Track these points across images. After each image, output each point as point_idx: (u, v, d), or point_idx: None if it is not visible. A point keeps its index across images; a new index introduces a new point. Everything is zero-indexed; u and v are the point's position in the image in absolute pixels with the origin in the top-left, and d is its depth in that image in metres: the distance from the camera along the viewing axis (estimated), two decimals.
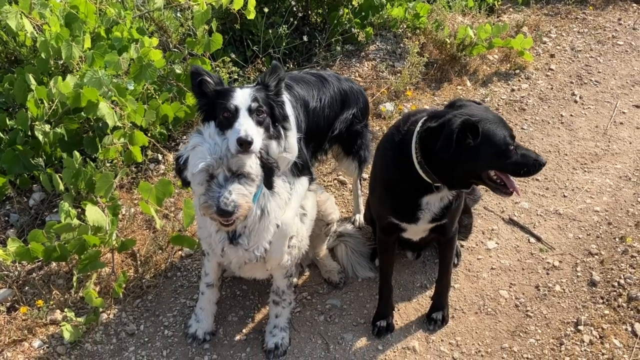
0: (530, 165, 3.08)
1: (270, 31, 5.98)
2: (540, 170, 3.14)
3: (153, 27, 5.48)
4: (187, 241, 4.05)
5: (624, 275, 4.26)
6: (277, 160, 3.17)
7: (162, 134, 4.97)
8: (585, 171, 5.35)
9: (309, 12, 6.48)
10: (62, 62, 4.52)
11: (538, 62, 7.02)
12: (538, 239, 4.61)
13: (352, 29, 6.63)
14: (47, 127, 4.21)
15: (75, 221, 3.74)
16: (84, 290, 3.71)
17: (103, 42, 4.56)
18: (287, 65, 6.09)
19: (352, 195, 4.79)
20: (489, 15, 7.89)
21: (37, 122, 4.17)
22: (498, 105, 6.19)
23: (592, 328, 3.91)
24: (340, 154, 4.31)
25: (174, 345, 3.73)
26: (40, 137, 4.17)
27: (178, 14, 5.83)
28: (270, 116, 3.12)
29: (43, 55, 4.31)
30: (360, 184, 4.66)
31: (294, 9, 6.17)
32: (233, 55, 5.79)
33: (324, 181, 5.11)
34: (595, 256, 4.46)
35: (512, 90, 6.48)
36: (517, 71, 6.79)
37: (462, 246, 4.47)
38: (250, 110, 2.97)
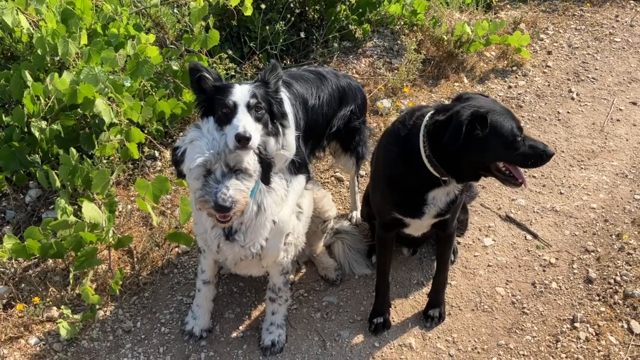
0: (538, 157, 3.10)
1: (267, 27, 5.96)
2: (548, 161, 3.16)
3: (150, 24, 5.46)
4: (183, 238, 4.05)
5: (620, 273, 4.27)
6: (274, 156, 3.17)
7: (159, 131, 4.96)
8: (582, 168, 5.36)
9: (306, 8, 6.46)
10: (58, 58, 4.50)
11: (535, 59, 7.02)
12: (535, 236, 4.62)
13: (350, 26, 6.61)
14: (43, 124, 4.19)
15: (72, 218, 3.73)
16: (81, 287, 3.70)
17: (99, 39, 4.55)
18: (285, 62, 6.08)
19: (349, 192, 4.79)
20: (487, 12, 7.88)
21: (33, 119, 4.15)
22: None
23: (588, 325, 3.92)
24: (338, 151, 4.31)
25: (170, 342, 3.73)
26: (37, 134, 4.15)
27: (175, 10, 5.81)
28: (268, 113, 3.12)
29: (39, 52, 4.29)
30: (358, 180, 4.66)
31: (291, 5, 6.16)
32: (230, 52, 5.78)
33: (321, 178, 5.11)
34: (592, 253, 4.47)
35: (509, 87, 6.48)
36: (514, 68, 6.79)
37: (458, 243, 4.48)
38: (248, 107, 2.98)
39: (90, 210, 3.73)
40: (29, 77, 4.17)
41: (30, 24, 4.42)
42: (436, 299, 3.93)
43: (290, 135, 3.35)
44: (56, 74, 4.09)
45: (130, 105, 4.29)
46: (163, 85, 4.92)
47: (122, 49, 4.47)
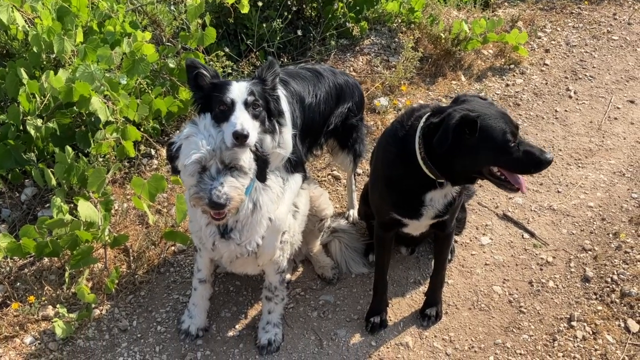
0: (533, 163, 3.01)
1: (264, 25, 5.95)
2: (546, 168, 3.07)
3: (146, 21, 5.44)
4: (180, 237, 4.03)
5: (617, 271, 4.26)
6: (271, 154, 3.16)
7: (155, 129, 4.94)
8: (579, 167, 5.35)
9: (304, 6, 6.44)
10: (54, 56, 4.48)
11: (533, 57, 7.01)
12: (532, 234, 4.61)
13: (347, 23, 6.60)
14: (39, 122, 4.18)
15: (68, 216, 3.72)
16: (76, 286, 3.69)
17: (95, 36, 4.53)
18: (282, 59, 6.07)
19: (346, 190, 4.78)
20: (484, 9, 7.87)
21: (29, 117, 4.14)
22: (492, 100, 6.18)
23: (585, 324, 3.92)
24: (335, 148, 4.30)
25: (166, 341, 3.72)
26: (32, 132, 4.13)
27: (171, 8, 5.79)
28: (265, 110, 3.11)
29: (35, 49, 4.27)
30: (355, 179, 4.64)
31: (288, 2, 6.14)
32: (227, 50, 5.76)
33: (318, 176, 5.10)
34: (589, 252, 4.46)
35: (507, 85, 6.47)
36: (512, 66, 6.78)
37: (456, 242, 4.47)
38: (246, 104, 2.97)
39: (86, 209, 3.71)
40: (25, 75, 4.15)
41: (25, 21, 4.40)
42: (433, 298, 3.92)
43: (287, 133, 3.34)
44: (52, 72, 4.07)
45: (127, 103, 4.28)
46: (159, 83, 4.90)
47: (118, 46, 4.45)
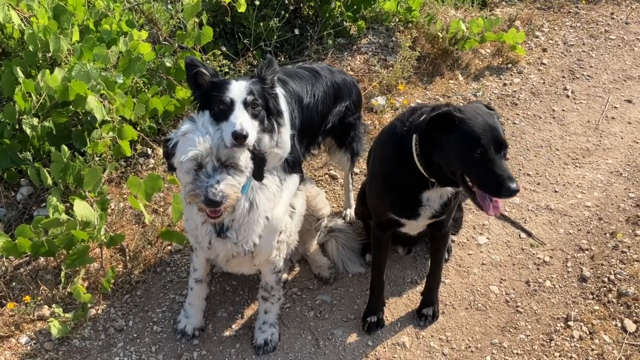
0: (491, 185, 2.93)
1: (261, 24, 5.93)
2: (506, 197, 2.94)
3: (143, 20, 5.43)
4: (176, 236, 4.03)
5: (614, 271, 4.26)
6: (268, 153, 3.16)
7: (152, 128, 4.93)
8: (576, 166, 5.35)
9: (301, 4, 6.43)
10: (50, 55, 4.47)
11: (530, 56, 7.01)
12: (529, 234, 4.61)
13: (344, 22, 6.59)
14: (35, 121, 4.16)
15: (64, 216, 3.71)
16: (72, 286, 3.68)
17: (92, 35, 4.52)
18: (279, 58, 6.05)
19: (343, 189, 4.77)
20: (482, 9, 7.87)
21: (24, 116, 4.13)
22: (490, 99, 6.18)
23: (582, 324, 3.91)
24: (332, 147, 4.29)
25: (163, 341, 3.71)
26: (28, 131, 4.12)
27: (168, 6, 5.78)
28: (265, 109, 3.10)
29: (31, 48, 4.27)
30: (352, 178, 4.64)
31: (286, 1, 6.13)
32: (224, 49, 5.74)
33: (315, 176, 5.09)
34: (586, 252, 4.46)
35: (504, 84, 6.46)
36: (509, 65, 6.77)
37: (452, 241, 4.46)
38: (245, 104, 2.96)
39: (82, 208, 3.71)
40: (21, 74, 4.14)
41: (21, 20, 4.38)
42: (430, 298, 3.91)
43: (286, 133, 3.34)
44: (48, 71, 4.06)
45: (123, 102, 4.27)
46: (156, 82, 4.89)
47: (115, 45, 4.45)
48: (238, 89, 2.98)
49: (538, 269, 4.32)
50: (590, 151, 5.54)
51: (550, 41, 7.35)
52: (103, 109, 4.07)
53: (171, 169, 3.04)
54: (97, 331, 3.74)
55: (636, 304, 4.01)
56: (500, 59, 6.84)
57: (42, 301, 3.83)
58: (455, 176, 3.07)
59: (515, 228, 4.67)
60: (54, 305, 3.69)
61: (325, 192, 4.77)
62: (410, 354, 3.72)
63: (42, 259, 4.07)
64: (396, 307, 4.01)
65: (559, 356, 3.72)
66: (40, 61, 4.52)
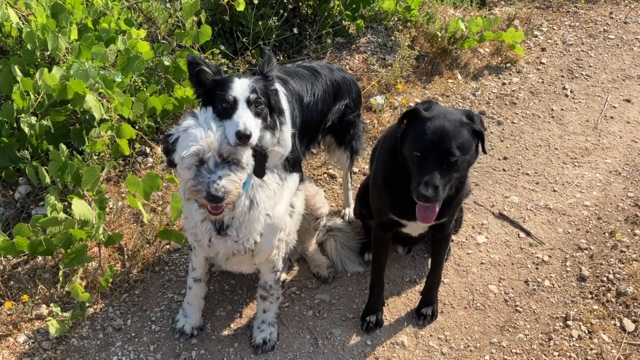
0: (413, 185, 3.05)
1: (260, 23, 5.93)
2: (417, 199, 3.03)
3: (141, 19, 5.42)
4: (174, 235, 4.02)
5: (613, 270, 4.26)
6: (270, 151, 3.17)
7: (150, 127, 4.92)
8: (575, 165, 5.35)
9: (300, 3, 6.42)
10: (48, 53, 4.46)
11: (529, 55, 7.00)
12: (528, 233, 4.60)
13: (343, 21, 6.58)
14: (33, 120, 4.15)
15: (62, 215, 3.70)
16: (70, 285, 3.67)
17: (90, 34, 4.51)
18: (278, 57, 6.04)
19: (342, 189, 4.76)
20: (481, 8, 7.86)
21: (22, 114, 4.12)
22: (489, 98, 6.17)
23: (580, 323, 3.91)
24: (332, 145, 4.29)
25: (161, 340, 3.70)
26: (26, 130, 4.11)
27: (167, 5, 5.77)
28: (267, 107, 3.11)
29: (29, 47, 4.26)
30: (351, 177, 4.63)
31: (285, 0, 6.12)
32: (222, 47, 5.74)
33: (314, 175, 5.08)
34: (585, 251, 4.46)
35: (503, 84, 6.46)
36: (508, 65, 6.77)
37: (452, 240, 4.45)
38: (248, 102, 2.96)
39: (80, 207, 3.69)
40: (19, 72, 4.13)
41: (19, 18, 4.37)
42: (429, 297, 3.91)
43: (287, 132, 3.34)
44: (46, 69, 4.05)
45: (121, 101, 4.26)
46: (154, 81, 4.89)
47: (113, 44, 4.44)
48: (241, 87, 2.98)
49: (537, 269, 4.32)
50: (589, 150, 5.54)
51: (549, 40, 7.35)
52: (101, 108, 4.06)
53: (171, 165, 3.03)
54: (95, 330, 3.73)
55: (635, 304, 4.01)
56: (499, 58, 6.84)
57: (40, 300, 3.82)
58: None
59: (514, 227, 4.66)
60: (52, 304, 3.68)
61: (324, 191, 4.77)
62: (409, 353, 3.71)
63: (40, 257, 4.06)
64: (395, 307, 4.01)
65: (558, 355, 3.72)
66: (39, 60, 4.51)
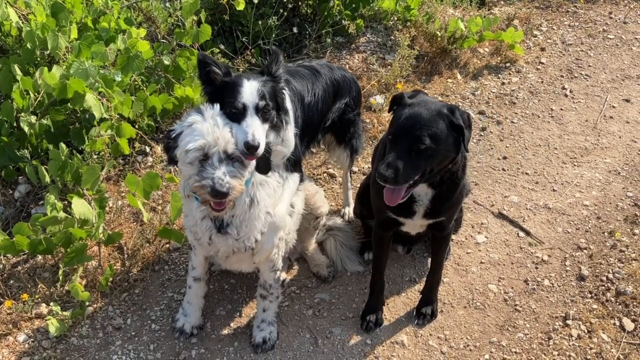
0: (379, 166, 3.08)
1: (260, 22, 5.93)
2: (378, 179, 3.08)
3: (141, 18, 5.42)
4: (174, 235, 4.02)
5: (612, 270, 4.27)
6: (274, 150, 3.18)
7: (150, 126, 4.92)
8: (575, 165, 5.35)
9: (299, 3, 6.42)
10: (48, 52, 4.45)
11: (529, 55, 7.00)
12: (527, 233, 4.61)
13: (343, 21, 6.58)
14: (33, 119, 4.15)
15: (62, 214, 3.69)
16: (70, 284, 3.67)
17: (90, 33, 4.50)
18: None
19: (341, 188, 4.76)
20: (480, 8, 7.86)
21: (22, 114, 4.11)
22: (488, 98, 6.18)
23: (580, 322, 3.92)
24: (332, 144, 4.30)
25: (161, 340, 3.70)
26: (26, 129, 4.11)
27: (167, 4, 5.76)
28: (275, 109, 3.12)
29: (29, 46, 4.25)
30: (350, 176, 4.63)
31: (284, 0, 6.12)
32: (222, 47, 5.74)
33: (314, 174, 5.08)
34: (584, 250, 4.46)
35: (503, 83, 6.46)
36: (508, 64, 6.77)
37: (452, 240, 4.46)
38: (257, 109, 2.97)
39: (80, 206, 3.69)
40: (18, 72, 4.13)
41: (19, 17, 4.37)
42: (429, 297, 3.91)
43: (290, 131, 3.34)
44: (46, 68, 4.05)
45: (121, 100, 4.26)
46: (154, 80, 4.88)
47: (113, 43, 4.43)
48: (250, 93, 2.97)
49: (536, 268, 4.32)
50: (588, 150, 5.55)
51: (549, 40, 7.35)
52: (101, 107, 4.05)
53: (171, 162, 3.02)
54: (95, 329, 3.73)
55: (634, 303, 4.01)
56: (499, 58, 6.84)
57: (40, 299, 3.82)
58: None
59: (514, 227, 4.67)
60: (51, 304, 3.67)
61: (324, 190, 4.76)
62: (408, 353, 3.72)
63: (40, 257, 4.06)
64: (395, 306, 4.01)
65: (558, 355, 3.72)
66: (38, 59, 4.51)
